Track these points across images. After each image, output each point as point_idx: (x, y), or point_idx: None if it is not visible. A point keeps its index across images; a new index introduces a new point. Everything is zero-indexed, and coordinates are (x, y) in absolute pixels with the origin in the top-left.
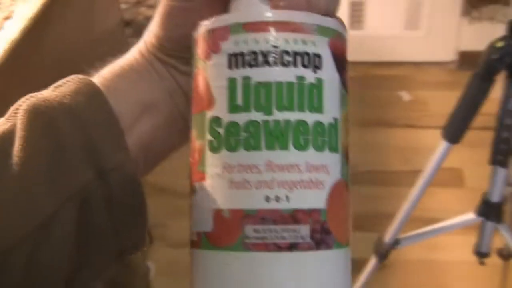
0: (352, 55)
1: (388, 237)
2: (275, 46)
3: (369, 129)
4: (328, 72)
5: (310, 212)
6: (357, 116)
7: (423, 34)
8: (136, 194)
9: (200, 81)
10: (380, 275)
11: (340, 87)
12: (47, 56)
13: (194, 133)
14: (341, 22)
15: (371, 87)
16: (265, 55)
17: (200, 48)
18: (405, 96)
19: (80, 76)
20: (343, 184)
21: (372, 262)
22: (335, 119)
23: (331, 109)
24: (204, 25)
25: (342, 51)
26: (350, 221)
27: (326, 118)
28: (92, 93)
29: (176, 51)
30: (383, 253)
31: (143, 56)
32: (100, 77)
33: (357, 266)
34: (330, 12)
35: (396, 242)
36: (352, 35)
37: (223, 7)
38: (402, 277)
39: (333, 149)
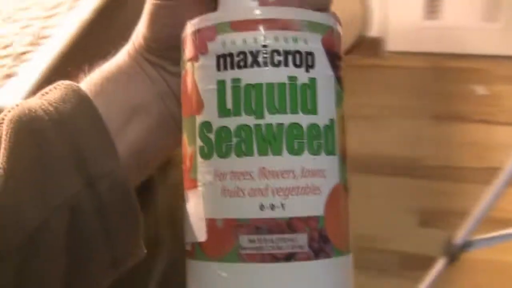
0: (426, 46)
1: (459, 238)
2: (264, 46)
3: (441, 123)
4: (322, 71)
5: (307, 220)
6: (430, 109)
7: (501, 27)
8: (128, 201)
9: (189, 84)
10: (447, 274)
11: (335, 85)
12: (119, 36)
13: (185, 138)
14: (334, 16)
15: (445, 80)
16: (254, 55)
17: (187, 49)
18: (480, 90)
19: (67, 82)
20: (341, 188)
21: (441, 263)
22: (331, 120)
23: (326, 110)
24: (190, 25)
25: (336, 47)
26: (350, 227)
27: (321, 119)
28: (79, 100)
29: (164, 52)
30: (453, 254)
31: (132, 57)
32: (88, 81)
33: (423, 263)
34: (322, 6)
35: (467, 244)
36: (427, 25)
37: (212, 4)
38: (470, 278)
39: (330, 152)
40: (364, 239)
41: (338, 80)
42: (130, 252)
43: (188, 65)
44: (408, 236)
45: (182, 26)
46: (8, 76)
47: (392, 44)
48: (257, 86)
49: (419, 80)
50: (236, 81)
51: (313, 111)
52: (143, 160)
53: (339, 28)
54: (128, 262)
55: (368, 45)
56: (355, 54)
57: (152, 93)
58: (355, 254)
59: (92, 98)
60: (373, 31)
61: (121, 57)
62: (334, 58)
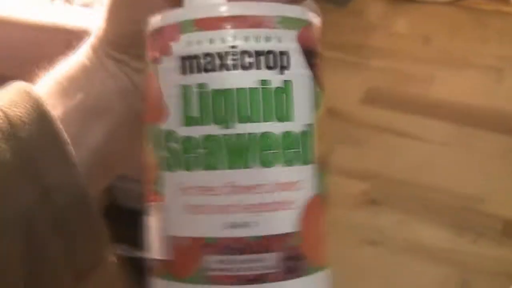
0: None
1: None
2: (233, 46)
3: None
4: (298, 71)
5: (280, 238)
6: None
7: None
8: (89, 211)
9: (152, 88)
10: None
11: (312, 86)
12: None
13: (148, 146)
14: (312, 6)
15: None
16: (222, 57)
17: (150, 50)
18: None
19: (20, 83)
20: (318, 200)
21: None
22: (308, 126)
23: (302, 115)
24: (152, 23)
25: (314, 43)
26: (327, 239)
27: (296, 126)
28: (32, 103)
29: (127, 48)
30: None
31: (93, 53)
32: (45, 81)
33: None
34: None
35: None
36: None
37: (175, 0)
38: None
39: (306, 161)
40: (469, 199)
41: (316, 79)
42: (94, 264)
43: (151, 67)
44: None
45: (145, 21)
46: None
47: None
48: (226, 92)
49: None
50: (202, 86)
51: (288, 117)
52: (108, 164)
53: (317, 21)
54: (92, 273)
55: None
56: None
57: (114, 92)
58: (458, 213)
59: (48, 100)
60: None
61: (83, 53)
62: (311, 55)
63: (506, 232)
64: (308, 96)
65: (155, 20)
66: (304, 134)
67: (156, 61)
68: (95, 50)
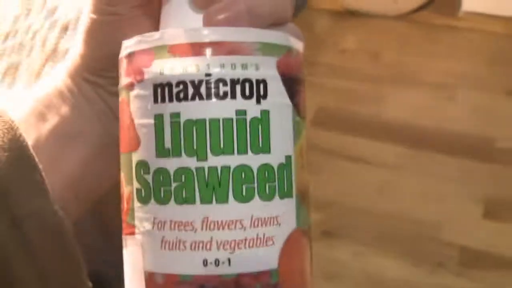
0: (510, 10)
1: None
2: (208, 74)
3: None
4: (276, 101)
5: (257, 276)
6: (506, 82)
7: None
8: (63, 239)
9: (125, 116)
10: None
11: (292, 115)
12: None
13: (122, 175)
14: (294, 31)
15: None
16: (196, 85)
17: (122, 75)
18: None
19: None
20: (299, 234)
21: None
22: (287, 157)
23: (281, 146)
24: (125, 47)
25: (295, 69)
26: (310, 273)
27: (275, 158)
28: (4, 128)
29: (103, 71)
30: None
31: (69, 77)
32: (19, 105)
33: (485, 261)
34: (280, 20)
35: None
36: None
37: (156, 21)
38: None
39: (286, 194)
40: (425, 226)
41: (297, 108)
42: None
43: (124, 93)
44: (471, 228)
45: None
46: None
47: (471, 4)
48: (199, 123)
49: (496, 48)
50: (175, 116)
51: (266, 149)
52: (83, 190)
53: (299, 46)
54: None
55: (444, 2)
56: (427, 10)
57: (89, 116)
58: (414, 241)
59: (22, 124)
60: None
61: (58, 76)
62: (292, 83)
63: (463, 261)
64: (287, 127)
65: (128, 44)
66: (282, 166)
67: (128, 87)
68: (71, 73)
